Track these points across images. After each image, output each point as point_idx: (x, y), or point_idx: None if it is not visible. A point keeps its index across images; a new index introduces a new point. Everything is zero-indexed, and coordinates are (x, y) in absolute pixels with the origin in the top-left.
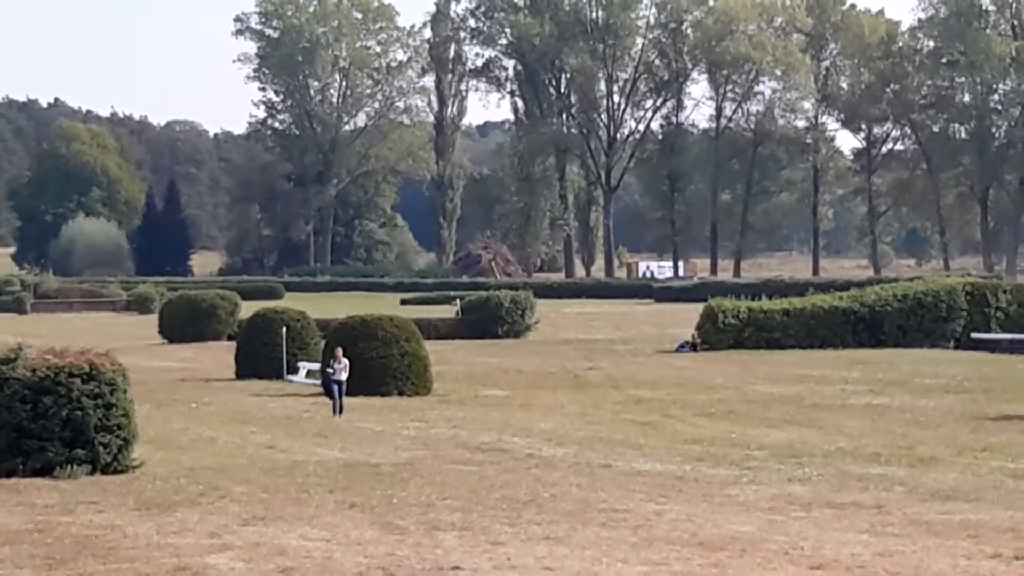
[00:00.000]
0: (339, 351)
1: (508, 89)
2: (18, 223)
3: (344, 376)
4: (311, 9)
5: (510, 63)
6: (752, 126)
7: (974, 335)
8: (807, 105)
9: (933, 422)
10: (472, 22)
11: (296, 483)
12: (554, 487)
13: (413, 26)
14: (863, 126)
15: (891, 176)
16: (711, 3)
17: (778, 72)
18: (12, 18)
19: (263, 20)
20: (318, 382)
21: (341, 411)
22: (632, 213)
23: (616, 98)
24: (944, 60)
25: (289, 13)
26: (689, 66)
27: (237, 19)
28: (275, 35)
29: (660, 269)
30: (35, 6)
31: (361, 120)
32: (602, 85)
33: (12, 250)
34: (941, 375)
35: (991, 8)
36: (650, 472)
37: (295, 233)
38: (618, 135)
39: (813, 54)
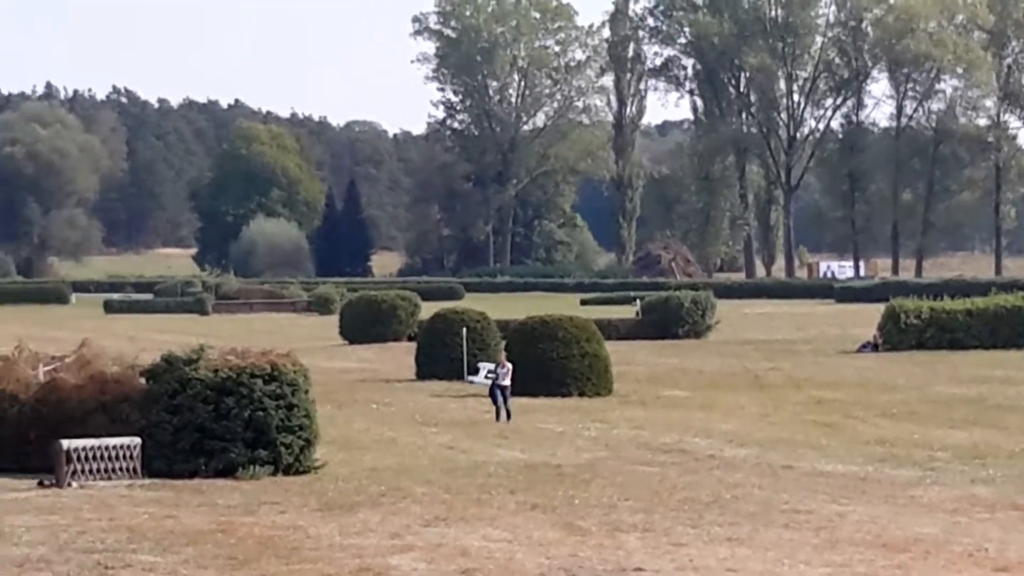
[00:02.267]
0: (503, 355)
1: (687, 88)
2: (199, 224)
3: (508, 381)
4: (489, 9)
5: (689, 62)
6: (933, 124)
7: None
8: (989, 103)
9: None
10: (651, 21)
11: (477, 484)
12: (736, 488)
13: (592, 25)
14: None
15: None
16: (891, 1)
17: (959, 70)
18: (193, 21)
19: (441, 20)
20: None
21: (508, 416)
22: (812, 212)
23: (796, 97)
24: None
25: (467, 13)
26: (869, 64)
27: (415, 19)
28: (453, 35)
29: (841, 269)
30: (215, 8)
31: (540, 120)
32: (782, 84)
33: (193, 251)
34: None
35: None
36: (832, 473)
37: (475, 233)
38: (798, 134)
39: (995, 51)
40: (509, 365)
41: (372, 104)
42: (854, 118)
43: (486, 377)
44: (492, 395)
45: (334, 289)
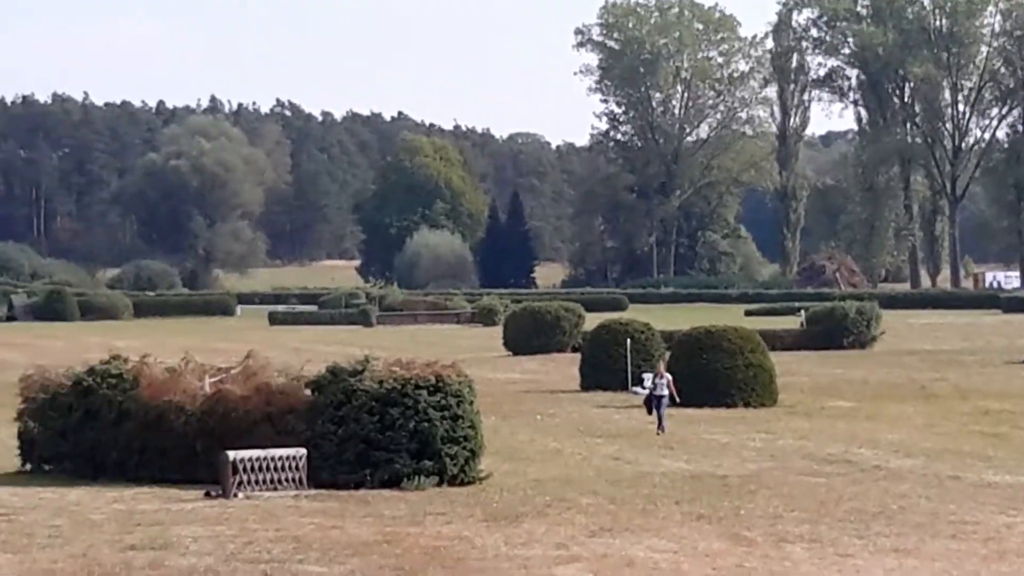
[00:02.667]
0: (660, 365)
1: (851, 99)
2: (363, 236)
3: (666, 392)
4: (652, 20)
5: (853, 72)
6: None
7: None
8: None
9: None
10: (814, 32)
11: (643, 494)
12: (902, 499)
13: (755, 36)
14: None
15: None
16: None
17: None
18: (357, 34)
19: (604, 32)
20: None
21: (661, 427)
22: (978, 222)
23: (961, 107)
24: None
25: (631, 25)
26: None
27: (578, 31)
28: (617, 47)
29: (1007, 279)
30: (379, 22)
31: (703, 131)
32: (946, 94)
33: (357, 263)
34: None
35: None
36: (1000, 484)
37: (638, 245)
38: (963, 144)
39: None
40: (667, 376)
41: (535, 116)
42: (1020, 128)
43: (643, 388)
44: (648, 406)
45: (498, 300)
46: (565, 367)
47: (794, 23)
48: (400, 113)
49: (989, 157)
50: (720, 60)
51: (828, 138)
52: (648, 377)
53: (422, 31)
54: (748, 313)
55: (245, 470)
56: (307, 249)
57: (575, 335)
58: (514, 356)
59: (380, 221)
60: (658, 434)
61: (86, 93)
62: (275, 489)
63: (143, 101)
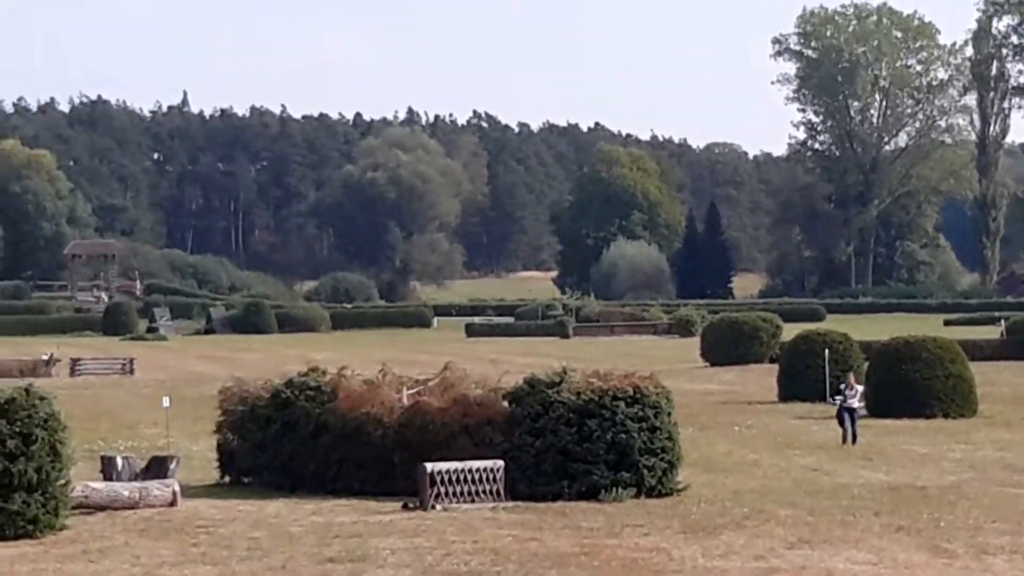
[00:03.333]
0: (851, 377)
1: None
2: (560, 247)
3: (856, 403)
4: (851, 29)
5: None
6: None
7: None
8: None
9: None
10: (1015, 39)
11: (841, 506)
12: None
13: (954, 44)
14: None
15: None
16: None
17: None
18: (553, 45)
19: (802, 41)
20: (863, 404)
21: (854, 439)
22: None
23: None
24: None
25: (828, 33)
26: None
27: (776, 40)
28: (814, 55)
29: None
30: (575, 33)
31: (902, 140)
32: None
33: (554, 274)
34: None
35: None
36: None
37: (836, 254)
38: None
39: None
40: (858, 387)
41: (732, 125)
42: None
43: (833, 399)
44: (839, 417)
45: (695, 311)
46: (763, 378)
47: (994, 30)
48: (597, 124)
49: None
50: (919, 68)
51: None
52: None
53: (618, 41)
54: (947, 323)
55: (443, 482)
56: (504, 260)
57: (773, 346)
58: (711, 367)
59: (577, 232)
60: (848, 446)
61: (283, 106)
62: (473, 501)
63: (340, 113)
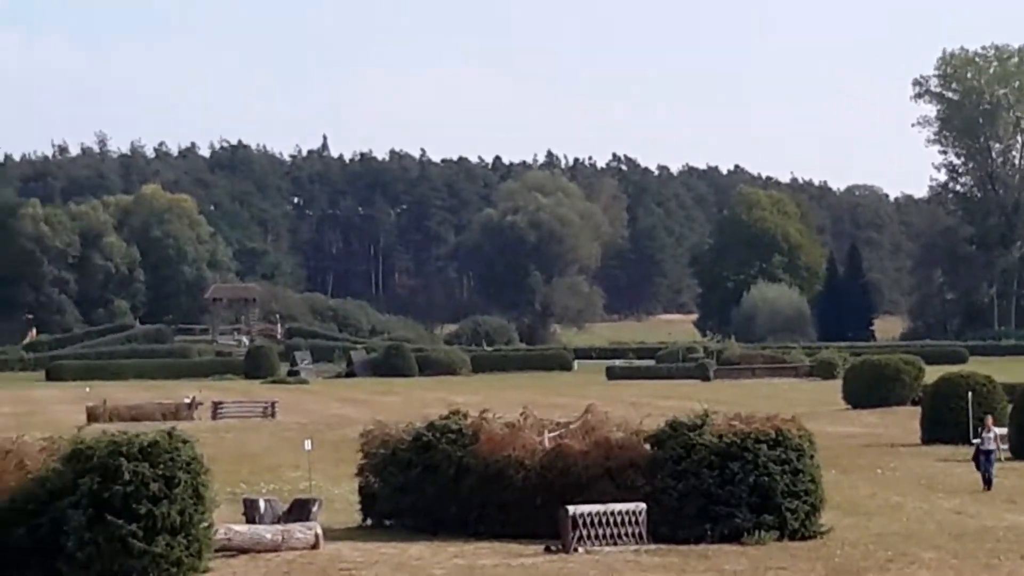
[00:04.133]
0: (988, 419)
1: None
2: (699, 290)
3: (993, 446)
4: (991, 70)
5: None
6: None
7: None
8: None
9: None
10: None
11: (986, 549)
12: None
13: None
14: None
15: None
16: None
17: None
18: (691, 89)
19: (943, 83)
20: (1006, 447)
21: (989, 483)
22: None
23: None
24: None
25: (969, 75)
26: None
27: (916, 82)
28: (955, 97)
29: None
30: (712, 77)
31: None
32: None
33: (694, 317)
34: None
35: None
36: None
37: (978, 296)
38: None
39: None
40: (996, 430)
41: (873, 167)
42: None
43: (971, 443)
44: (976, 460)
45: (836, 354)
46: (905, 420)
47: None
48: (737, 166)
49: None
50: None
51: None
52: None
53: (759, 84)
54: None
55: (585, 524)
56: (644, 303)
57: (915, 388)
58: (853, 409)
59: (717, 275)
60: (985, 490)
61: (423, 150)
62: (615, 544)
63: (480, 157)
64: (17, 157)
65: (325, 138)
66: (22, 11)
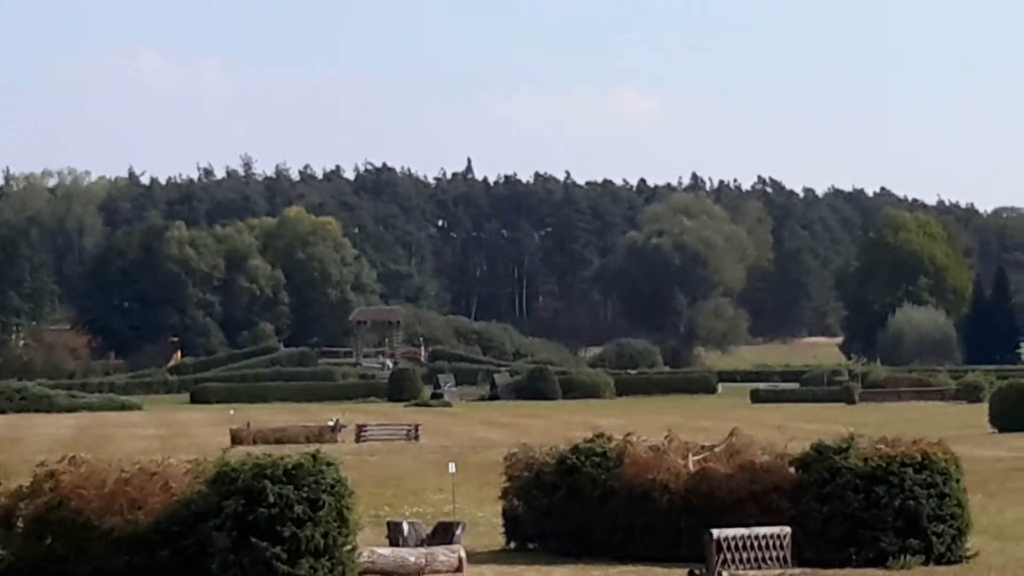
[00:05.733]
0: None
1: None
2: (845, 313)
3: None
4: None
5: None
6: None
7: None
8: None
9: None
10: None
11: None
12: None
13: None
14: None
15: None
16: None
17: None
18: (834, 111)
19: None
20: None
21: None
22: None
23: None
24: None
25: None
26: None
27: None
28: None
29: None
30: (858, 100)
31: None
32: None
33: (839, 340)
34: None
35: None
36: None
37: None
38: None
39: None
40: None
41: (1021, 189)
42: None
43: None
44: None
45: (983, 377)
46: None
47: None
48: (882, 188)
49: None
50: None
51: None
52: None
53: (904, 106)
54: None
55: (729, 548)
56: (788, 326)
57: None
58: (1000, 433)
59: (863, 298)
60: None
61: (567, 172)
62: (759, 567)
63: (624, 179)
64: (163, 180)
65: (469, 160)
66: (175, 37)
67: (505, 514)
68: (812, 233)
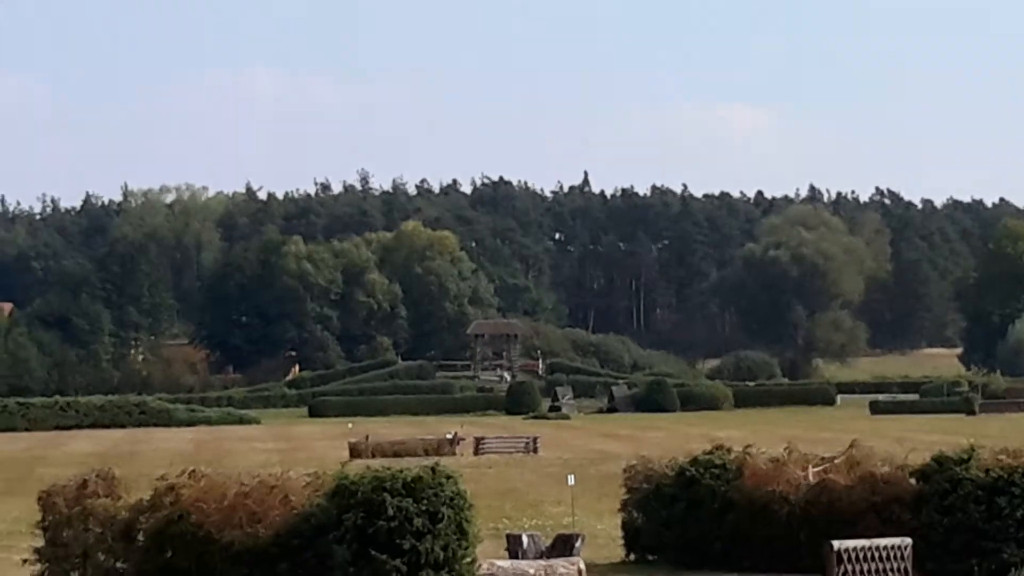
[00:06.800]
0: None
1: None
2: (964, 324)
3: None
4: None
5: None
6: None
7: None
8: None
9: None
10: None
11: None
12: None
13: None
14: None
15: None
16: None
17: None
18: (952, 119)
19: None
20: None
21: None
22: None
23: None
24: None
25: None
26: None
27: None
28: None
29: None
30: (976, 109)
31: None
32: None
33: (959, 351)
34: None
35: None
36: None
37: None
38: None
39: None
40: None
41: None
42: None
43: None
44: None
45: None
46: None
47: None
48: (1001, 199)
49: None
50: None
51: None
52: None
53: (1020, 116)
54: None
55: (850, 560)
56: (907, 338)
57: None
58: None
59: (982, 309)
60: None
61: (684, 185)
62: None
63: (742, 192)
64: (280, 195)
65: (586, 174)
66: (289, 52)
67: (624, 526)
68: (930, 244)
